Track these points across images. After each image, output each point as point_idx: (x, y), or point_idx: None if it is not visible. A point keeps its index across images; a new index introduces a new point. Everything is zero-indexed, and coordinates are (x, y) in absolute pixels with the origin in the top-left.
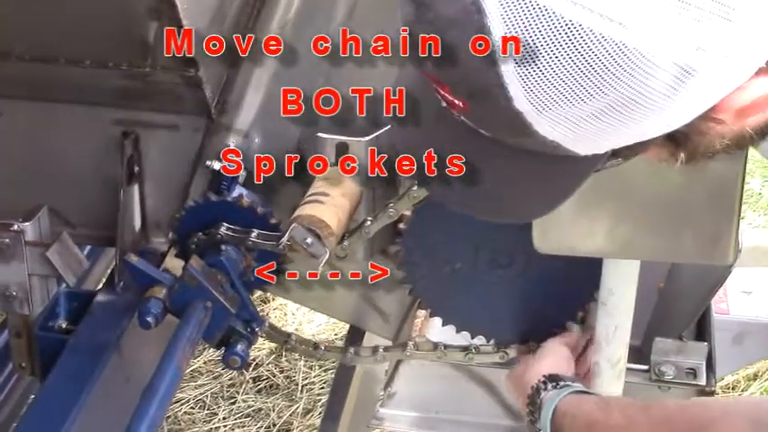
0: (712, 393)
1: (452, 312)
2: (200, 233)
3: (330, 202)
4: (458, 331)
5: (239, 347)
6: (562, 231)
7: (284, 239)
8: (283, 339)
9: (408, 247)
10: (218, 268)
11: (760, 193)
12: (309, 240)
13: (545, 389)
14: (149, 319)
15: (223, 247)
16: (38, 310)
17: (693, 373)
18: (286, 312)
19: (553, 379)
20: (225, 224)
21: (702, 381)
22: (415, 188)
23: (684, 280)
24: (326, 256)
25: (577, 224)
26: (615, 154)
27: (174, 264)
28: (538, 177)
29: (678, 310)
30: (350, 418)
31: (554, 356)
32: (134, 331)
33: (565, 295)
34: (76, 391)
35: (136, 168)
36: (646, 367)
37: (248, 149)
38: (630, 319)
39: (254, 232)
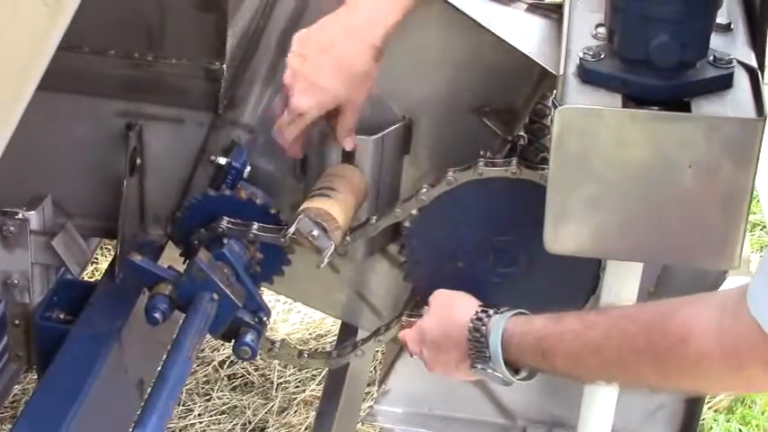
0: None
1: None
2: (202, 229)
3: (337, 197)
4: None
5: (249, 338)
6: (574, 233)
7: (290, 230)
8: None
9: (413, 245)
10: (221, 261)
11: None
12: (316, 233)
13: (487, 315)
14: (157, 315)
15: (225, 240)
16: (37, 299)
17: None
18: None
19: (493, 306)
20: (225, 218)
21: None
22: (423, 191)
23: (676, 285)
24: (331, 250)
25: (589, 226)
26: None
27: (172, 258)
28: None
29: None
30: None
31: (466, 294)
32: (132, 322)
33: (564, 295)
34: (80, 381)
35: (138, 161)
36: None
37: (253, 145)
38: None
39: (255, 225)
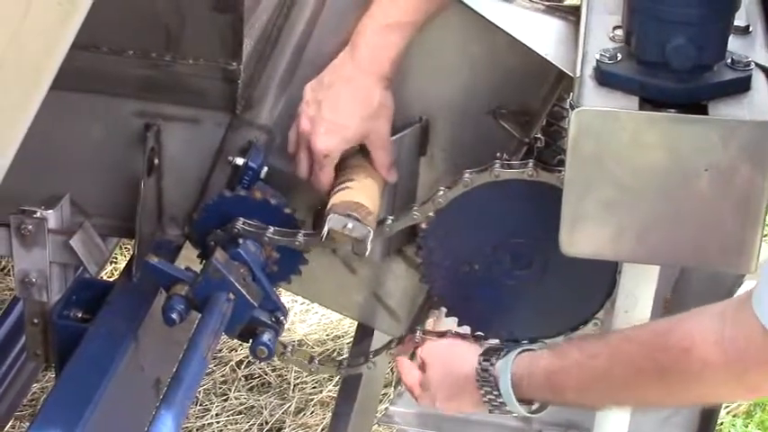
0: None
1: (469, 312)
2: (218, 229)
3: (358, 186)
4: (473, 332)
5: (266, 337)
6: (590, 236)
7: (324, 232)
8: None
9: (429, 247)
10: (238, 261)
11: None
12: (350, 225)
13: (491, 362)
14: (174, 315)
15: (241, 240)
16: (55, 298)
17: None
18: None
19: (493, 350)
20: (241, 218)
21: None
22: (440, 193)
23: (693, 291)
24: (371, 236)
25: (606, 229)
26: None
27: (189, 258)
28: None
29: None
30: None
31: (456, 341)
32: (149, 322)
33: (579, 299)
34: (97, 379)
35: (155, 161)
36: None
37: (270, 146)
38: None
39: (271, 229)
